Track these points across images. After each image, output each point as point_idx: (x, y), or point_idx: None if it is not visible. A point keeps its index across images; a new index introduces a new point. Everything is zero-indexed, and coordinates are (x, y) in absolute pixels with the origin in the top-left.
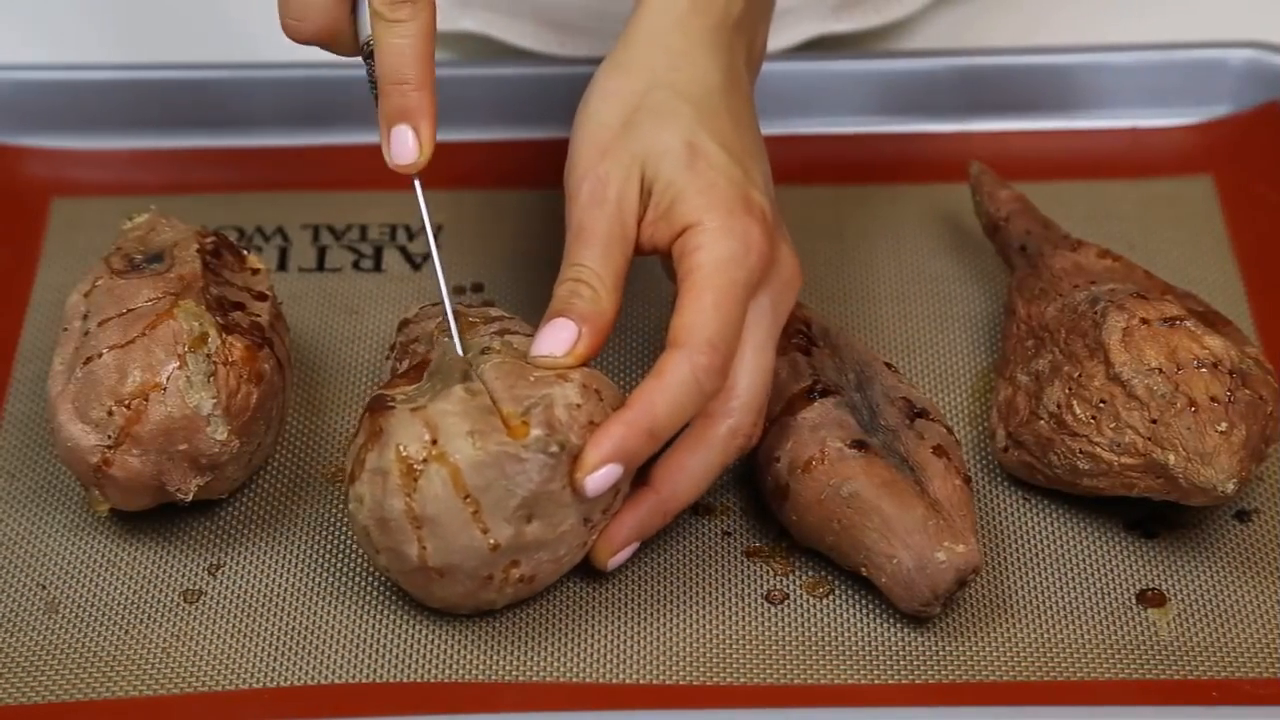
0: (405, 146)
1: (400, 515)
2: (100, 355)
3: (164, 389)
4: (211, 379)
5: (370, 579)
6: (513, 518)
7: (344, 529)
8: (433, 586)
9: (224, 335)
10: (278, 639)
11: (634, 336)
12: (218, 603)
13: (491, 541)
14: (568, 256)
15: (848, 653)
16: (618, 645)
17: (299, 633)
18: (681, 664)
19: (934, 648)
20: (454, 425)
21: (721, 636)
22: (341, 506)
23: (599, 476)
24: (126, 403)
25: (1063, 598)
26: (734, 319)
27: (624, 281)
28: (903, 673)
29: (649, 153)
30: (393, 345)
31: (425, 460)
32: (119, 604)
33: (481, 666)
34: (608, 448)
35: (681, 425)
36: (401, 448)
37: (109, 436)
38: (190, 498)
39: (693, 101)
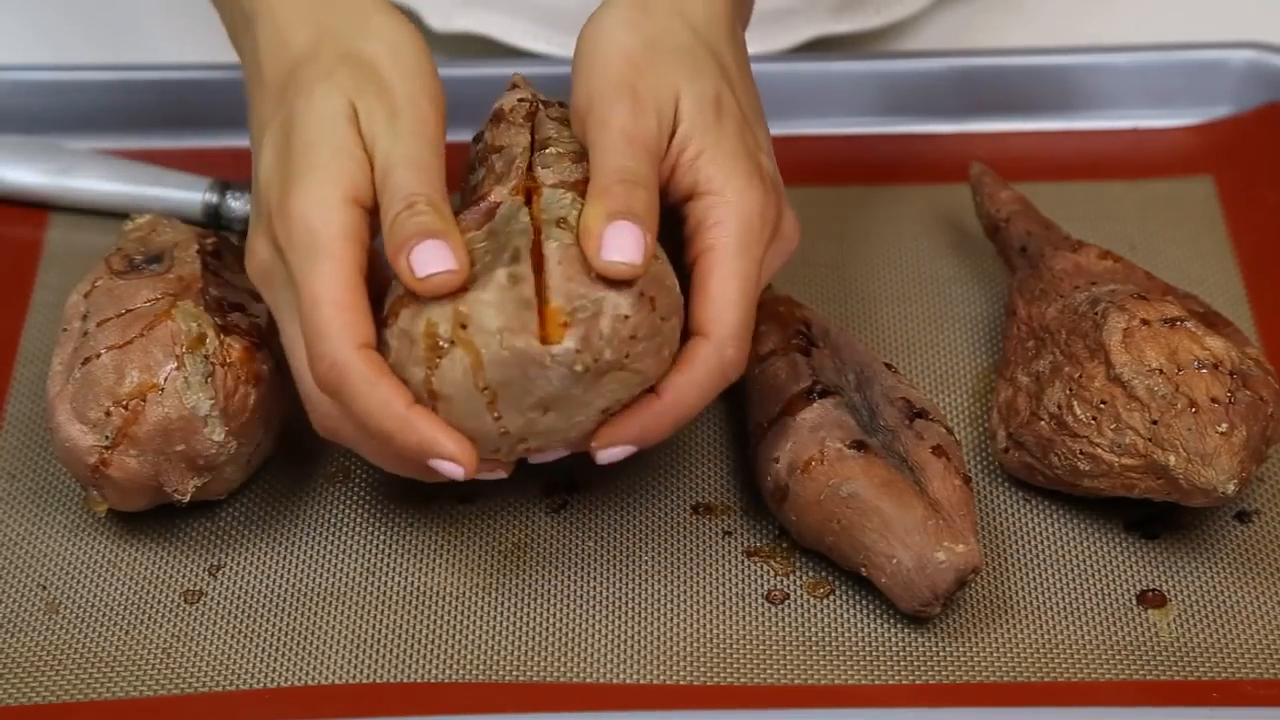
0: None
1: (418, 383)
2: (98, 356)
3: (162, 390)
4: (209, 380)
5: (370, 579)
6: (527, 410)
7: (344, 529)
8: None
9: (222, 336)
10: (278, 639)
11: None
12: (218, 603)
13: (502, 429)
14: (616, 156)
15: (848, 653)
16: (618, 645)
17: (299, 633)
18: (681, 664)
19: (934, 648)
20: (487, 318)
21: (721, 636)
22: (341, 506)
23: (614, 452)
24: (124, 403)
25: (1063, 598)
26: (755, 302)
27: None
28: (903, 673)
29: (684, 90)
30: (477, 136)
31: (451, 343)
32: (119, 605)
33: (481, 666)
34: (633, 433)
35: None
36: (431, 323)
37: (106, 437)
38: (188, 498)
39: (710, 53)
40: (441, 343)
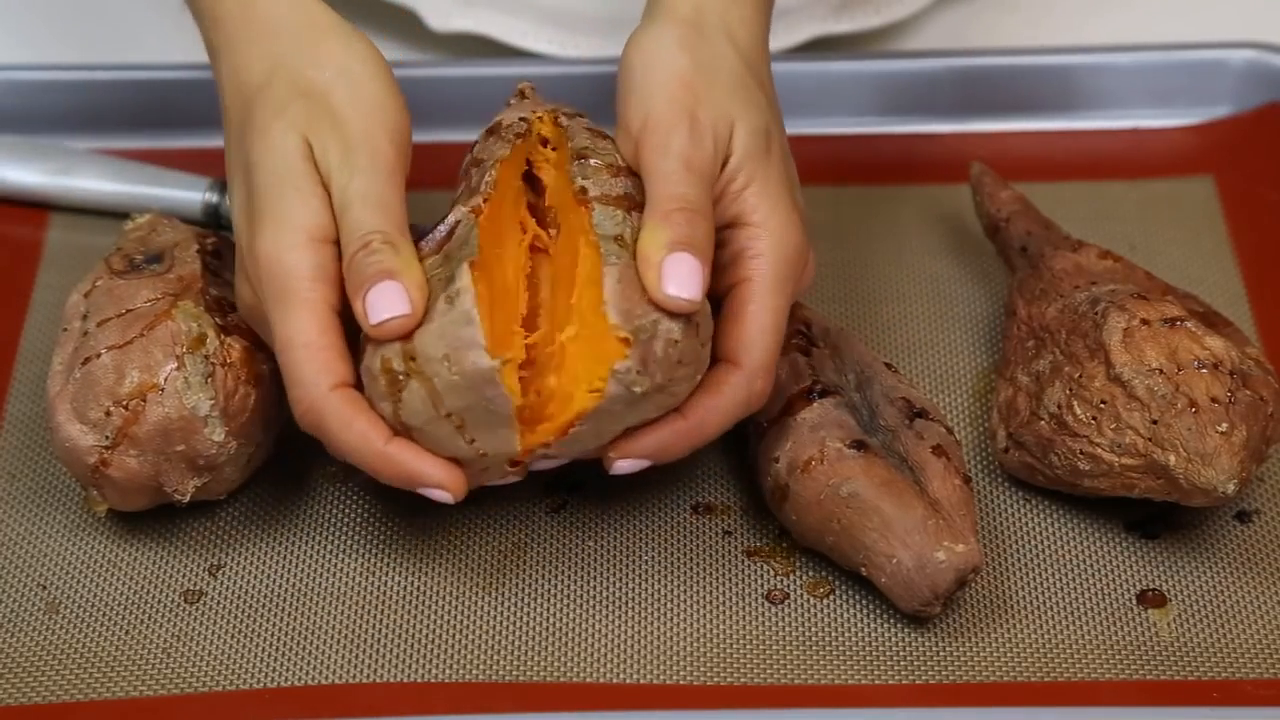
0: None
1: (390, 417)
2: (99, 355)
3: (162, 390)
4: (209, 380)
5: (370, 579)
6: (502, 429)
7: (344, 529)
8: None
9: (222, 336)
10: (278, 639)
11: None
12: (218, 603)
13: (479, 451)
14: (671, 185)
15: (848, 653)
16: (618, 645)
17: (299, 633)
18: (681, 664)
19: (934, 648)
20: (430, 346)
21: (721, 636)
22: (341, 506)
23: (629, 464)
24: (124, 403)
25: (1063, 598)
26: (783, 336)
27: None
28: (903, 673)
29: (738, 120)
30: (470, 147)
31: (406, 375)
32: (120, 604)
33: (481, 666)
34: (651, 448)
35: None
36: (385, 358)
37: (106, 437)
38: (187, 498)
39: (757, 84)
40: (399, 376)
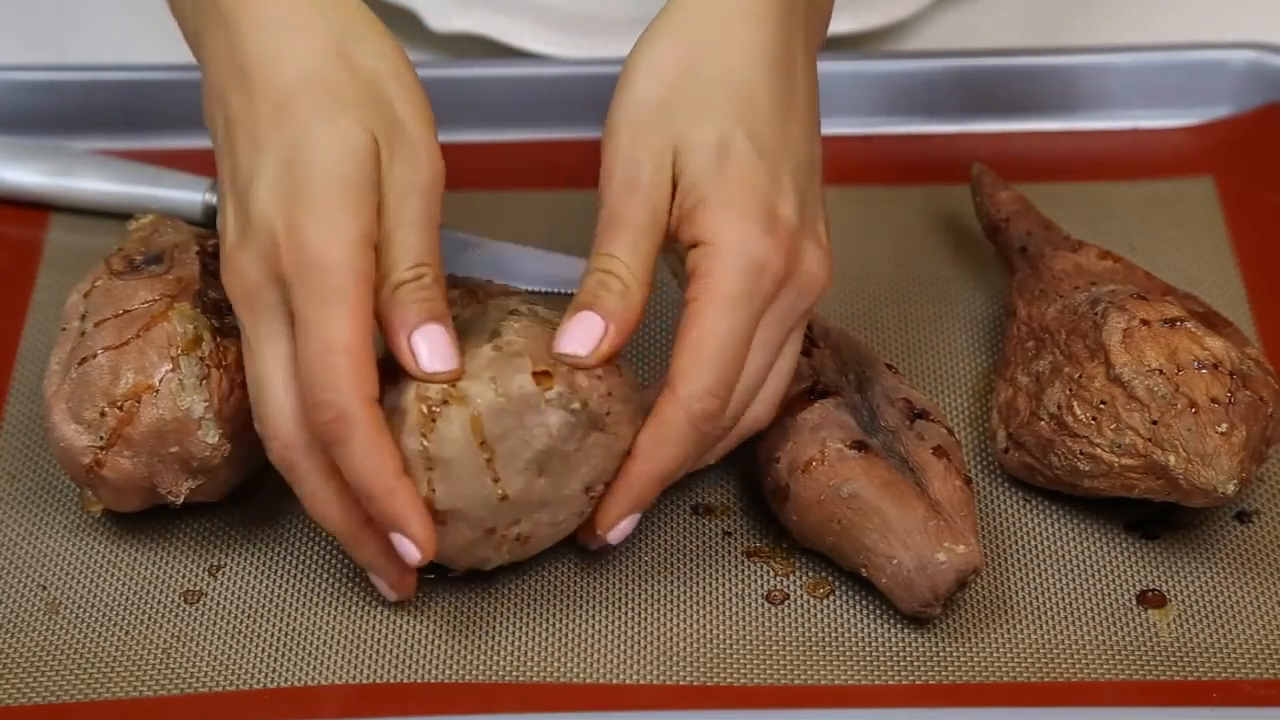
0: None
1: (414, 455)
2: (95, 356)
3: (156, 391)
4: (204, 382)
5: (370, 579)
6: (524, 471)
7: None
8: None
9: (218, 338)
10: (278, 640)
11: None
12: (218, 604)
13: (500, 492)
14: (598, 244)
15: (848, 653)
16: (618, 645)
17: (299, 633)
18: (681, 664)
19: (934, 648)
20: (478, 370)
21: (721, 636)
22: None
23: (621, 529)
24: (119, 404)
25: (1063, 598)
26: (736, 359)
27: (653, 274)
28: (903, 673)
29: (681, 144)
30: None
31: (445, 402)
32: (119, 605)
33: (481, 666)
34: (625, 504)
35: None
36: (421, 389)
37: (101, 438)
38: (181, 500)
39: (734, 87)
40: (434, 406)
